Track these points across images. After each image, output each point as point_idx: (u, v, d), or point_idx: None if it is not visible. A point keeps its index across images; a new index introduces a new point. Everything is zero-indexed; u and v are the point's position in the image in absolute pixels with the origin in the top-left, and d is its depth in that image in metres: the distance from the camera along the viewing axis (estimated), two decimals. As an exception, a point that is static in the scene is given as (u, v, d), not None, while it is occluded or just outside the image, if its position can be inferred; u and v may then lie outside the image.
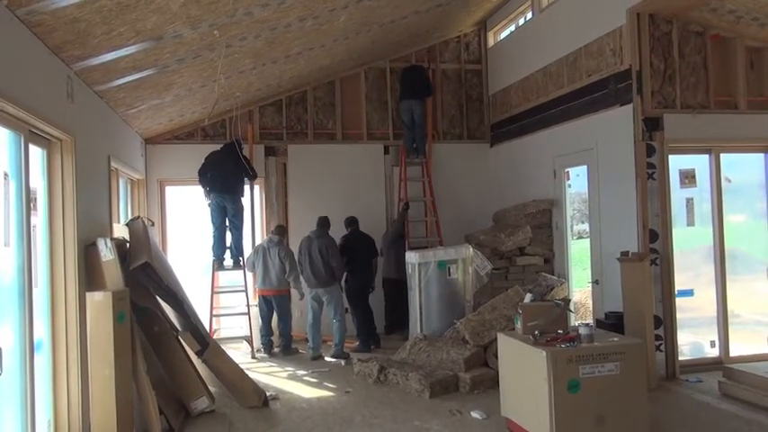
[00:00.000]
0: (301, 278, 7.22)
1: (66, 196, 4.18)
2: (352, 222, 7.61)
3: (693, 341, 6.13)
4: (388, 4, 6.15)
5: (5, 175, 3.37)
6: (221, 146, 7.60)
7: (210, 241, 7.48)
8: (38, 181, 4.01)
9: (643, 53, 5.72)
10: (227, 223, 7.46)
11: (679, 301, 5.80)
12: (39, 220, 4.00)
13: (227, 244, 7.54)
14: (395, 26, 7.16)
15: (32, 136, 3.73)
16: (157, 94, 6.05)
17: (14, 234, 3.45)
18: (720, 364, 5.68)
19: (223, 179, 7.30)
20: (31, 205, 3.70)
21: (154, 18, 4.04)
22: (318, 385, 6.04)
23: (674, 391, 5.35)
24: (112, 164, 5.69)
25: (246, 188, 7.73)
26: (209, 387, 5.29)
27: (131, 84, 5.23)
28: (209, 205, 7.37)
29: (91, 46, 4.09)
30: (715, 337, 6.02)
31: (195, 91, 6.40)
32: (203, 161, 7.40)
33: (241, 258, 7.53)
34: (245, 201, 7.82)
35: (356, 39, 7.04)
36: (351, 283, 7.46)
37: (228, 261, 7.58)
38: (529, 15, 7.91)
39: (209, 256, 7.51)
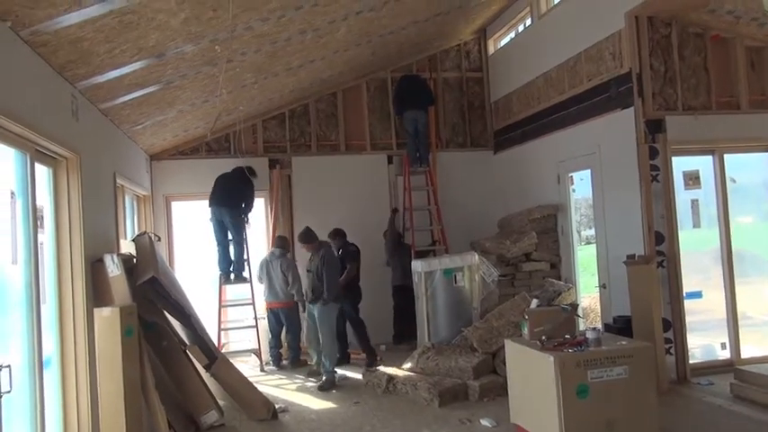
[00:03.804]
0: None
1: (73, 213, 4.23)
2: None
3: (704, 344, 6.08)
4: (388, 14, 6.20)
5: (12, 193, 3.40)
6: (232, 170, 7.68)
7: (216, 256, 7.51)
8: (44, 199, 4.05)
9: (643, 56, 5.73)
10: (230, 237, 7.49)
11: (688, 303, 5.76)
12: (46, 237, 4.04)
13: (232, 258, 7.57)
14: (395, 36, 7.21)
15: (38, 155, 3.77)
16: (161, 111, 6.11)
17: (22, 252, 3.49)
18: (732, 366, 5.62)
19: (223, 192, 7.34)
20: (38, 223, 3.74)
21: (155, 35, 4.09)
22: (327, 397, 6.03)
23: (686, 395, 5.30)
24: (118, 180, 5.74)
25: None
26: (218, 400, 5.29)
27: (135, 101, 5.29)
28: (210, 221, 7.40)
29: (94, 64, 4.15)
30: (726, 339, 5.97)
31: (198, 106, 6.45)
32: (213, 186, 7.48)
33: (243, 272, 7.54)
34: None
35: (356, 50, 7.09)
36: (353, 295, 7.41)
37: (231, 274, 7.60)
38: (528, 22, 7.95)
39: (215, 271, 7.54)
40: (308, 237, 6.74)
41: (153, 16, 3.79)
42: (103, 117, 5.29)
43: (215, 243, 7.46)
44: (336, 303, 6.58)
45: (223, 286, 7.56)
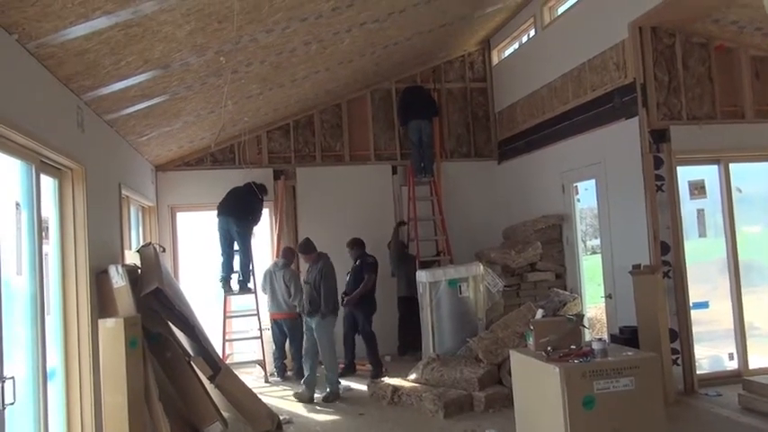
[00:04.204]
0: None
1: (78, 224, 4.23)
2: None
3: (711, 354, 6.03)
4: (392, 25, 6.23)
5: (17, 204, 3.42)
6: (244, 184, 7.67)
7: (219, 265, 7.51)
8: (49, 210, 4.06)
9: (647, 66, 5.74)
10: (236, 247, 7.48)
11: (694, 313, 5.72)
12: (51, 248, 4.05)
13: (235, 268, 7.55)
14: (399, 47, 7.24)
15: (44, 166, 3.79)
16: (167, 122, 6.14)
17: (27, 263, 3.49)
18: (740, 377, 5.57)
19: (232, 203, 7.36)
20: (43, 234, 3.75)
21: (161, 47, 4.12)
22: (332, 408, 6.00)
23: (693, 406, 5.25)
24: (123, 191, 5.76)
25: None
26: (223, 412, 5.26)
27: (141, 112, 5.32)
28: (217, 230, 7.41)
29: (100, 76, 4.18)
30: (733, 350, 5.92)
31: (204, 117, 6.48)
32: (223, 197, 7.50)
33: (249, 283, 7.52)
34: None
35: (361, 61, 7.12)
36: (369, 306, 7.39)
37: (236, 284, 7.57)
38: (532, 33, 7.97)
39: (218, 280, 7.53)
40: (307, 247, 6.70)
41: (158, 28, 3.82)
42: (109, 128, 5.32)
43: (220, 252, 7.46)
44: (334, 316, 6.49)
45: (227, 297, 7.54)
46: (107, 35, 3.58)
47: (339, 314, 6.79)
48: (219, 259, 7.49)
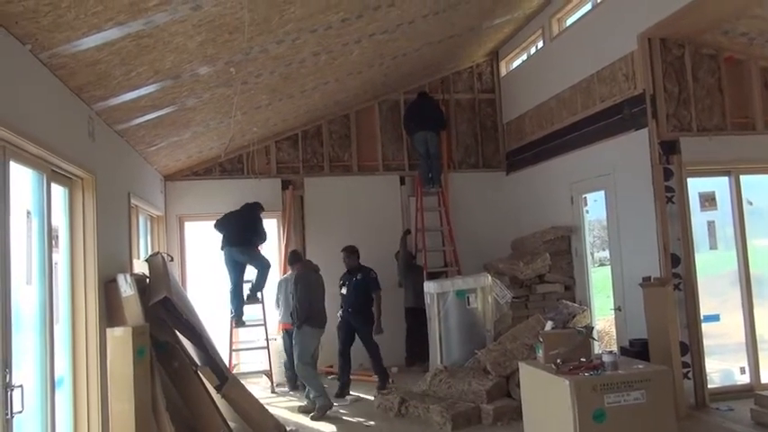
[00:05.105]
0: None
1: (88, 233, 4.25)
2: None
3: (722, 368, 5.96)
4: (401, 36, 6.25)
5: (28, 213, 3.44)
6: (241, 207, 7.60)
7: (228, 296, 7.42)
8: (60, 218, 4.08)
9: (656, 77, 5.72)
10: (252, 266, 7.41)
11: (705, 326, 5.65)
12: (60, 257, 4.07)
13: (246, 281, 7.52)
14: (407, 58, 7.26)
15: (54, 175, 3.81)
16: (176, 132, 6.17)
17: (36, 271, 3.51)
18: (752, 392, 5.49)
19: (234, 232, 7.25)
20: (53, 243, 3.76)
21: (171, 57, 4.15)
22: (339, 419, 5.96)
23: (705, 421, 5.18)
24: (132, 201, 5.78)
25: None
26: (229, 422, 5.24)
27: (151, 122, 5.35)
28: (225, 263, 7.31)
29: (111, 86, 4.21)
30: (745, 364, 5.85)
31: (213, 127, 6.52)
32: (221, 217, 7.43)
33: (259, 294, 7.50)
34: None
35: (369, 72, 7.14)
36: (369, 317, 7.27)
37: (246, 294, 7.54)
38: (540, 44, 7.98)
39: (227, 290, 7.49)
40: (291, 258, 6.76)
41: (170, 39, 3.85)
42: (119, 138, 5.35)
43: (230, 284, 7.36)
44: (311, 327, 6.26)
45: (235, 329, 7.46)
46: (118, 46, 3.61)
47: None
48: (229, 288, 7.36)
